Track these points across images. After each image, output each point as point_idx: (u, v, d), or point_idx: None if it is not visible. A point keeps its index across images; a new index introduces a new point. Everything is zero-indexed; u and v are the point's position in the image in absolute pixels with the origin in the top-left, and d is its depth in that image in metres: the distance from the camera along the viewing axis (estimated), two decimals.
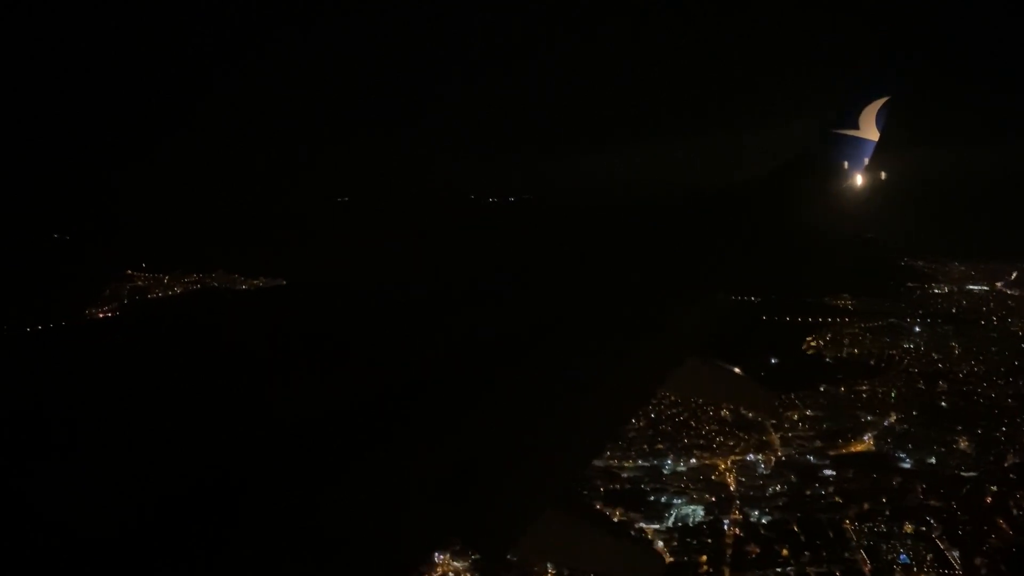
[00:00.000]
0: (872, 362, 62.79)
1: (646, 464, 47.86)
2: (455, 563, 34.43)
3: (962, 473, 43.73)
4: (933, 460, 46.08)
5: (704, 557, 37.16)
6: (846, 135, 10.50)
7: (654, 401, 45.33)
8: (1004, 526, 36.81)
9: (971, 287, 77.47)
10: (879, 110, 10.40)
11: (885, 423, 51.54)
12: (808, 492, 43.14)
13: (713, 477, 46.16)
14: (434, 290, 5.88)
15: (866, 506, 39.79)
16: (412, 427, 3.72)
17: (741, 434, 50.34)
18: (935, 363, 61.02)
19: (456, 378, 4.22)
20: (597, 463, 46.72)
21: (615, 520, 40.73)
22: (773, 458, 48.20)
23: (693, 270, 7.06)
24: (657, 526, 40.29)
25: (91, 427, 3.32)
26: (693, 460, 48.20)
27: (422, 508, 3.33)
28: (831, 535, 37.67)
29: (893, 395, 55.82)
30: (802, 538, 37.61)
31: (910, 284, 78.94)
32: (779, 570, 35.68)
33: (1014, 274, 77.65)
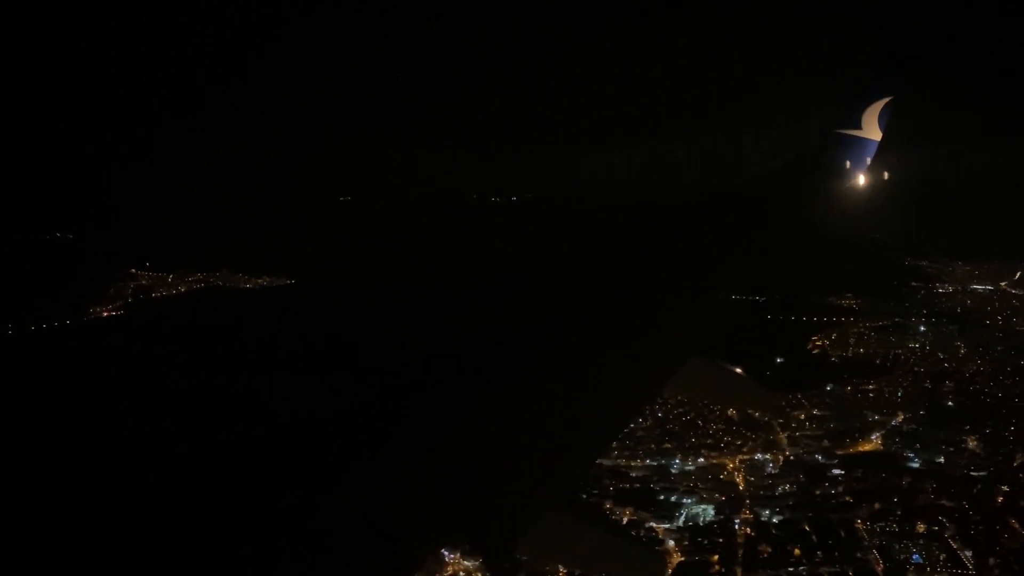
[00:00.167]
0: (878, 362, 62.90)
1: (654, 463, 47.84)
2: (457, 563, 34.35)
3: (971, 473, 43.76)
4: (942, 460, 46.12)
5: (716, 556, 37.13)
6: (849, 135, 10.47)
7: (658, 401, 45.46)
8: (1016, 526, 36.84)
9: (975, 287, 77.65)
10: (881, 110, 10.37)
11: (892, 423, 51.56)
12: (818, 491, 43.12)
13: (722, 476, 46.17)
14: (437, 290, 5.88)
15: (877, 506, 39.80)
16: (415, 427, 3.70)
17: (748, 433, 50.32)
18: (941, 363, 61.10)
19: (459, 378, 4.20)
20: (605, 462, 46.82)
21: (625, 520, 40.84)
22: (781, 457, 48.18)
23: (695, 270, 7.00)
24: (668, 525, 40.26)
25: (93, 427, 3.31)
26: (701, 459, 48.19)
27: (424, 508, 3.32)
28: (843, 535, 37.67)
29: (899, 395, 55.89)
30: (814, 538, 37.60)
31: (914, 284, 79.39)
32: (791, 570, 35.66)
33: (1017, 274, 77.83)
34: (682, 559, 37.36)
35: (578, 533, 4.34)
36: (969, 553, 34.90)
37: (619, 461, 47.50)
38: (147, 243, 78.31)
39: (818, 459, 47.56)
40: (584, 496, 42.43)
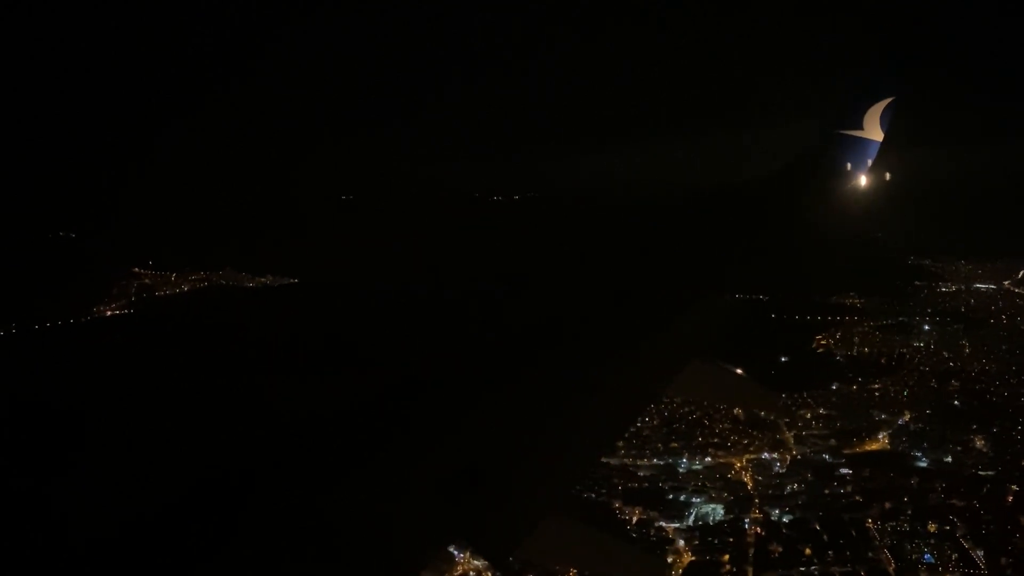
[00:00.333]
0: (883, 361, 62.87)
1: (661, 462, 47.82)
2: (459, 564, 34.24)
3: (980, 472, 43.70)
4: (949, 459, 46.10)
5: (726, 556, 37.04)
6: (850, 135, 10.44)
7: (662, 401, 45.42)
8: None
9: (978, 286, 77.73)
10: (883, 111, 10.35)
11: (899, 422, 51.53)
12: (827, 491, 43.05)
13: (729, 476, 46.12)
14: (439, 291, 5.89)
15: (887, 505, 39.72)
16: (416, 427, 3.72)
17: (754, 433, 50.29)
18: (946, 362, 61.13)
19: (460, 378, 4.22)
20: (612, 461, 46.82)
21: (634, 519, 40.82)
22: (788, 457, 48.17)
23: (696, 271, 6.99)
24: (678, 524, 40.21)
25: (97, 425, 3.34)
26: (708, 458, 48.17)
27: (426, 509, 3.31)
28: (854, 534, 37.57)
29: (905, 394, 55.86)
30: (825, 537, 37.50)
31: (917, 283, 79.43)
32: (803, 569, 35.56)
33: (1020, 273, 77.88)
34: (693, 559, 37.29)
35: (580, 535, 4.36)
36: (981, 553, 34.83)
37: (626, 460, 47.49)
38: (150, 242, 78.19)
39: (825, 458, 47.56)
40: (592, 495, 42.45)
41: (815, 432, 51.21)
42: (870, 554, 36.05)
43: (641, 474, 46.27)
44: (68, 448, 3.20)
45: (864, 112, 10.35)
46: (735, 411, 51.31)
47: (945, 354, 62.49)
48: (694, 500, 42.69)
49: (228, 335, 4.72)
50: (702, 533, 39.20)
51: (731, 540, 38.32)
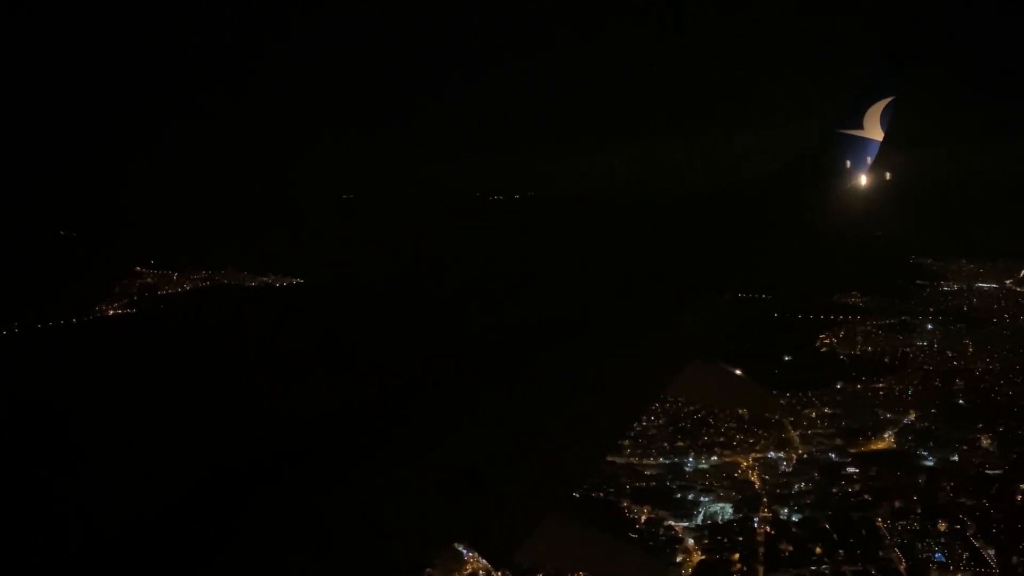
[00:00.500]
0: (886, 360, 63.02)
1: (667, 461, 47.82)
2: (464, 564, 34.18)
3: (987, 471, 43.73)
4: (956, 458, 46.12)
5: (736, 555, 37.01)
6: (850, 135, 10.45)
7: (661, 402, 45.41)
8: None
9: (980, 285, 77.90)
10: (883, 110, 10.37)
11: (905, 421, 51.64)
12: (835, 490, 43.07)
13: (736, 475, 46.12)
14: (439, 290, 5.92)
15: (897, 504, 39.73)
16: (418, 427, 3.72)
17: (760, 431, 50.28)
18: (950, 361, 61.24)
19: (461, 378, 4.20)
20: (618, 460, 46.82)
21: (643, 518, 40.79)
22: (794, 456, 48.19)
23: (697, 271, 6.98)
24: (686, 524, 40.17)
25: (98, 425, 3.35)
26: (714, 457, 48.19)
27: (426, 509, 3.30)
28: (864, 533, 37.57)
29: (910, 393, 55.98)
30: (835, 536, 37.49)
31: (919, 282, 79.62)
32: (814, 568, 35.55)
33: (1022, 272, 78.03)
34: (703, 557, 37.25)
35: (580, 535, 4.36)
36: (992, 552, 34.87)
37: (632, 459, 47.49)
38: (152, 241, 78.19)
39: (832, 457, 47.62)
40: (601, 495, 42.44)
41: (820, 431, 51.26)
42: (881, 553, 36.06)
43: (648, 473, 46.26)
44: (69, 447, 3.21)
45: (864, 112, 10.39)
46: (740, 410, 51.41)
47: (948, 353, 62.60)
48: (702, 499, 42.66)
49: (229, 335, 4.75)
50: (711, 532, 39.17)
51: (741, 539, 38.28)
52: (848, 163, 10.31)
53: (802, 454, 48.30)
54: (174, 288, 71.24)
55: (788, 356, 63.70)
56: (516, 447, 3.87)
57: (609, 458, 46.82)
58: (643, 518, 40.85)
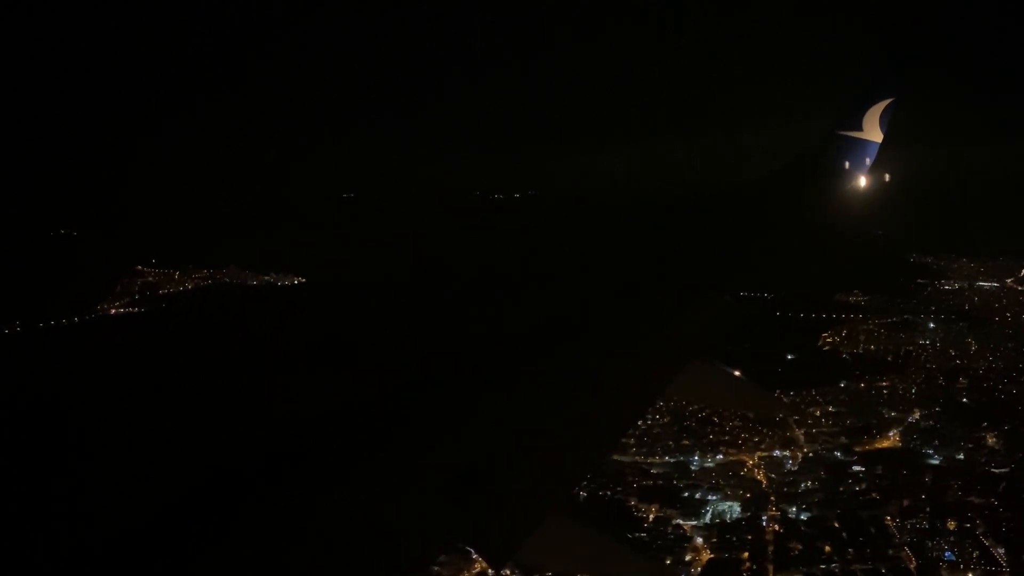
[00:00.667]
0: (889, 358, 63.10)
1: (672, 460, 47.83)
2: (457, 566, 34.06)
3: (993, 469, 43.80)
4: (962, 456, 46.21)
5: (746, 554, 37.01)
6: (849, 136, 10.43)
7: (664, 401, 45.38)
8: None
9: (981, 283, 78.03)
10: (883, 112, 10.36)
11: (909, 419, 51.66)
12: (841, 488, 43.08)
13: (742, 473, 46.12)
14: (439, 290, 5.93)
15: (905, 503, 39.77)
16: (417, 428, 3.70)
17: (764, 430, 50.26)
18: (952, 359, 61.29)
19: (461, 379, 4.19)
20: (624, 458, 46.84)
21: (651, 516, 40.80)
22: (800, 454, 48.24)
23: (696, 272, 6.97)
24: (695, 522, 40.17)
25: (99, 424, 3.35)
26: (720, 456, 48.19)
27: (426, 510, 3.30)
28: (873, 532, 37.60)
29: (914, 391, 56.00)
30: (844, 535, 37.52)
31: (920, 280, 79.75)
32: (823, 567, 35.56)
33: (1023, 271, 78.20)
34: (712, 556, 37.25)
35: (581, 536, 4.39)
36: (1002, 550, 34.92)
37: (637, 458, 47.50)
38: (153, 240, 78.06)
39: (837, 456, 47.65)
40: (608, 493, 42.44)
41: (825, 430, 51.29)
42: (890, 552, 36.09)
43: (654, 471, 46.26)
44: (70, 447, 3.20)
45: (863, 113, 10.37)
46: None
47: (951, 352, 62.66)
48: (710, 498, 42.65)
49: (230, 334, 4.76)
50: (720, 531, 39.16)
51: (749, 538, 38.28)
52: (848, 163, 10.30)
53: (807, 452, 48.34)
54: (175, 287, 71.32)
55: (791, 355, 63.79)
56: (516, 448, 3.87)
57: (615, 456, 47.08)
58: (651, 516, 40.83)
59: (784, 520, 39.82)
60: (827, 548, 36.66)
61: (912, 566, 34.92)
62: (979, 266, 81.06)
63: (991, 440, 47.31)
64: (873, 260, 72.53)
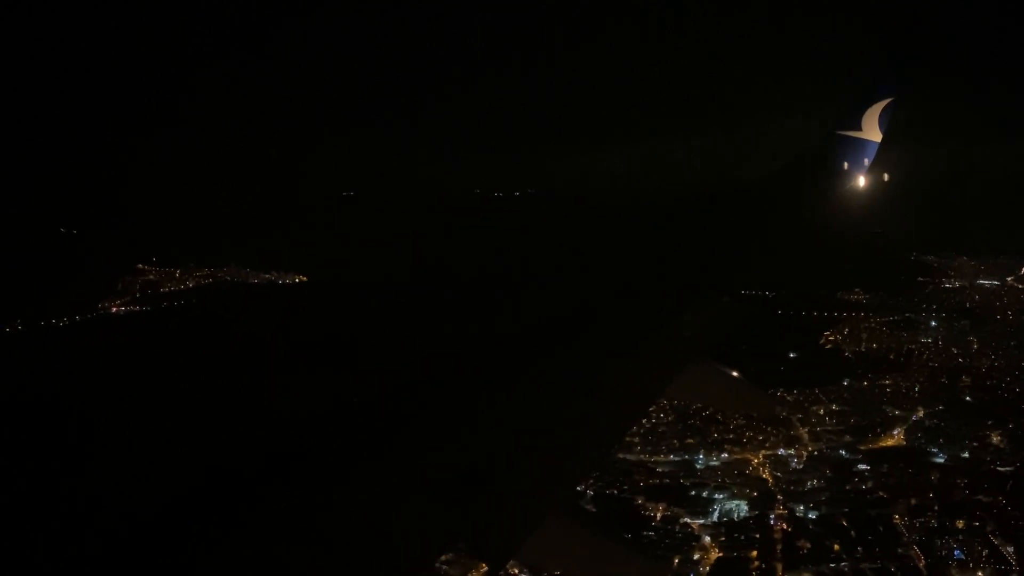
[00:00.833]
0: (892, 357, 63.13)
1: (677, 458, 47.82)
2: (456, 568, 34.01)
3: (999, 468, 43.83)
4: (967, 455, 46.22)
5: (754, 553, 37.02)
6: (848, 136, 10.43)
7: (666, 400, 45.24)
8: None
9: (982, 282, 78.18)
10: (882, 112, 10.37)
11: (913, 418, 51.69)
12: (848, 487, 43.09)
13: (748, 471, 46.13)
14: (439, 290, 5.94)
15: (913, 501, 39.79)
16: (417, 427, 3.70)
17: (768, 428, 50.26)
18: (955, 358, 61.38)
19: (460, 380, 4.19)
20: (629, 457, 46.86)
21: (658, 515, 40.79)
22: (804, 453, 48.20)
23: (697, 271, 6.97)
24: (702, 521, 40.16)
25: (99, 424, 3.35)
26: (724, 454, 48.18)
27: (426, 511, 3.29)
28: (881, 530, 37.62)
29: (917, 390, 56.06)
30: (852, 533, 37.51)
31: (921, 279, 79.91)
32: (832, 566, 35.55)
33: (1023, 269, 78.37)
34: (720, 555, 37.24)
35: (581, 538, 4.37)
36: (1011, 549, 34.96)
37: (642, 456, 47.51)
38: (155, 238, 77.96)
39: (842, 454, 47.67)
40: (615, 492, 42.43)
41: (829, 428, 51.33)
42: (900, 550, 36.09)
43: (660, 470, 46.25)
44: (70, 445, 3.20)
45: (862, 113, 10.38)
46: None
47: (954, 350, 62.76)
48: (716, 496, 42.66)
49: (230, 333, 4.78)
50: (728, 529, 39.15)
51: (758, 536, 38.27)
52: (845, 165, 10.29)
53: (812, 451, 48.33)
54: (176, 285, 71.24)
55: (793, 353, 63.87)
56: (515, 448, 3.85)
57: (621, 455, 47.07)
58: (658, 515, 40.82)
59: (792, 519, 39.81)
60: (836, 547, 36.66)
61: (921, 564, 34.92)
62: (979, 264, 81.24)
63: (996, 439, 47.35)
64: (874, 259, 72.71)
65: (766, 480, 44.95)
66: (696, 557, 37.28)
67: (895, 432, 50.44)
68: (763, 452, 48.79)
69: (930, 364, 60.73)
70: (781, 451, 48.54)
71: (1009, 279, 77.59)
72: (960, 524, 37.15)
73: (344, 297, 5.96)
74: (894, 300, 74.08)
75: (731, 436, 49.95)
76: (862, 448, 48.43)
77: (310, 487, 3.11)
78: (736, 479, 44.89)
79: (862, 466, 45.84)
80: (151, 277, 72.85)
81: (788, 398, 54.31)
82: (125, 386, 3.77)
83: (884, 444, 49.37)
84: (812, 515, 40.17)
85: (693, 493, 42.92)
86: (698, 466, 47.06)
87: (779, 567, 36.01)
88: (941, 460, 46.17)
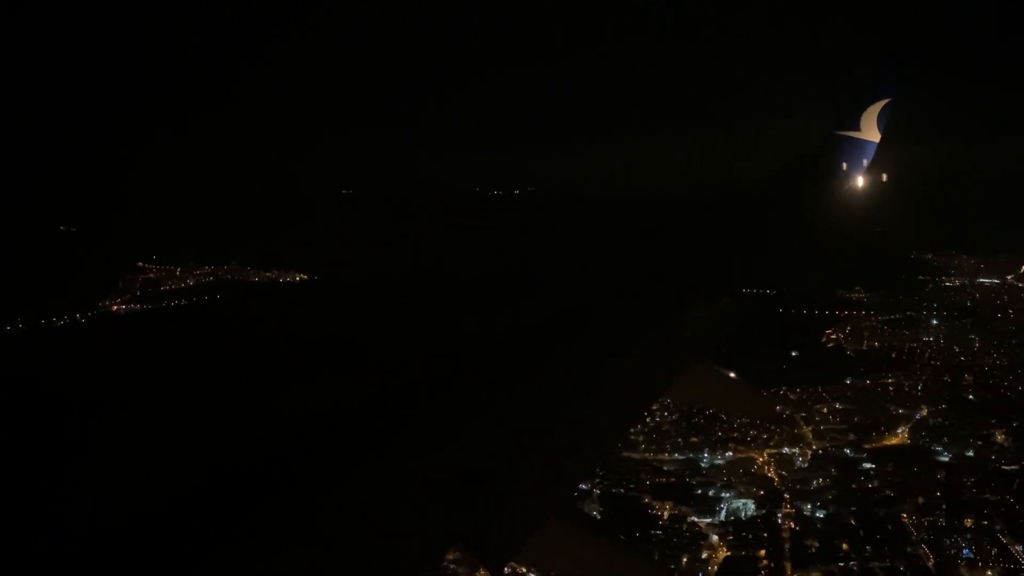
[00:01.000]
0: (894, 355, 63.27)
1: (682, 457, 47.83)
2: (468, 567, 33.98)
3: (1003, 466, 43.91)
4: (971, 453, 46.29)
5: (762, 551, 36.99)
6: (847, 136, 10.42)
7: (667, 400, 45.16)
8: None
9: (982, 280, 78.47)
10: (880, 112, 10.36)
11: (917, 416, 51.76)
12: (854, 485, 43.12)
13: (753, 470, 46.16)
14: (439, 290, 5.92)
15: (920, 500, 39.82)
16: (417, 427, 3.67)
17: (772, 427, 50.27)
18: (957, 356, 61.58)
19: (460, 380, 4.15)
20: (634, 455, 46.86)
21: (665, 514, 40.79)
22: (809, 451, 48.28)
23: (697, 271, 6.91)
24: (710, 520, 40.15)
25: (99, 423, 3.34)
26: (729, 453, 48.20)
27: (425, 512, 3.27)
28: (890, 529, 37.64)
29: (920, 388, 56.18)
30: (860, 532, 37.52)
31: (921, 277, 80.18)
32: (841, 564, 35.54)
33: (1023, 267, 78.68)
34: (728, 554, 37.22)
35: (581, 539, 4.39)
36: (1020, 548, 34.99)
37: (647, 455, 47.52)
38: (155, 237, 77.82)
39: (847, 453, 47.72)
40: (621, 490, 42.41)
41: (833, 427, 51.39)
42: (908, 549, 36.11)
43: (666, 468, 46.25)
44: (70, 445, 3.18)
45: (861, 113, 10.33)
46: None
47: (955, 348, 62.97)
48: (723, 495, 42.65)
49: (230, 332, 4.77)
50: (735, 528, 39.12)
51: (765, 535, 38.24)
52: (846, 163, 10.28)
53: (816, 450, 48.39)
54: (177, 284, 71.15)
55: (795, 352, 63.99)
56: (515, 449, 3.82)
57: (625, 454, 47.06)
58: (665, 514, 40.81)
59: (799, 518, 39.80)
60: (844, 546, 36.66)
61: (931, 563, 34.94)
62: (979, 263, 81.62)
63: (1000, 437, 47.44)
64: (874, 258, 72.95)
65: (772, 479, 44.98)
66: (705, 556, 37.26)
67: (899, 431, 50.50)
68: (768, 451, 48.82)
69: (932, 362, 60.88)
70: (786, 450, 48.59)
71: (1009, 277, 77.94)
72: (968, 523, 37.17)
73: (343, 296, 5.96)
74: (895, 299, 74.34)
75: (735, 435, 49.96)
76: (867, 447, 48.48)
77: (310, 487, 3.08)
78: (742, 478, 44.89)
79: (867, 465, 45.90)
80: (151, 275, 72.79)
81: (791, 397, 54.39)
82: (126, 385, 3.76)
83: (888, 443, 49.43)
84: (820, 514, 40.17)
85: (700, 492, 42.91)
86: (703, 465, 47.06)
87: (788, 566, 35.96)
88: (946, 459, 46.21)
